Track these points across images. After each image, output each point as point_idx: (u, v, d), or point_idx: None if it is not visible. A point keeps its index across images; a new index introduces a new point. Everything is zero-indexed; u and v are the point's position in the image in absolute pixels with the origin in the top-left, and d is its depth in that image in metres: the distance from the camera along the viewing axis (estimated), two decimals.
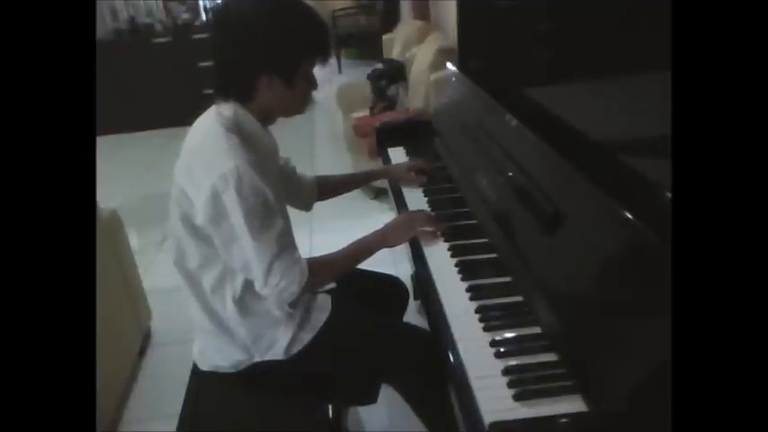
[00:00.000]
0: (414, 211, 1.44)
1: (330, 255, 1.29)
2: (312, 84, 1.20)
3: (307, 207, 1.53)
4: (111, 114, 4.61)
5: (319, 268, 1.19)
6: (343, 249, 1.28)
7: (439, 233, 1.35)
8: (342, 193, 1.61)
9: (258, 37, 1.09)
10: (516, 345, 1.00)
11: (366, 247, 1.29)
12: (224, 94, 1.16)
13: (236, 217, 1.06)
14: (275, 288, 1.11)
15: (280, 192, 1.16)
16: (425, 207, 1.53)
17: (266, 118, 1.20)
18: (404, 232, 1.33)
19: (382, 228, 1.33)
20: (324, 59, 1.19)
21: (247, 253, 1.09)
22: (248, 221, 1.06)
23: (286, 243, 1.12)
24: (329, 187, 1.57)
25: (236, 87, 1.15)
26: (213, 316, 1.22)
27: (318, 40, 1.16)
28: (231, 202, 1.06)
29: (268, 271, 1.10)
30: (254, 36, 1.09)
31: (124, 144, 4.91)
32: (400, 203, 1.60)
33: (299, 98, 1.19)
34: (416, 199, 1.60)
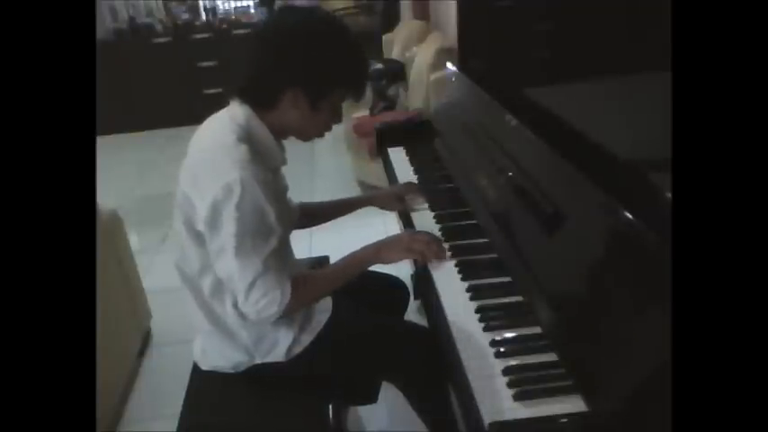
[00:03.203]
0: (418, 233, 1.34)
1: (319, 272, 1.28)
2: (336, 116, 1.20)
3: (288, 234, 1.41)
4: (111, 114, 4.61)
5: (304, 289, 1.16)
6: (333, 265, 1.27)
7: (440, 259, 1.26)
8: (324, 222, 1.55)
9: (302, 50, 1.09)
10: (516, 345, 1.00)
11: (357, 262, 1.25)
12: (245, 95, 1.15)
13: (229, 231, 1.05)
14: (254, 307, 1.10)
15: (282, 208, 1.14)
16: (429, 213, 1.50)
17: (280, 132, 1.19)
18: (401, 253, 1.27)
19: (378, 242, 1.28)
20: (356, 97, 1.19)
21: (231, 268, 1.08)
22: (238, 238, 1.05)
23: (273, 263, 1.09)
24: (312, 215, 1.51)
25: (261, 93, 1.14)
26: (214, 318, 1.22)
27: (357, 76, 1.17)
28: (228, 214, 1.04)
29: (249, 289, 1.08)
30: (298, 48, 1.09)
31: (124, 144, 4.91)
32: (406, 219, 1.54)
33: (319, 124, 1.19)
34: (421, 211, 1.54)
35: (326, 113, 1.17)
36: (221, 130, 1.12)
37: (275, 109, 1.14)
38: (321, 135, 1.23)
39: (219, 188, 1.04)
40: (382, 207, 1.60)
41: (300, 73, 1.10)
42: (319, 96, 1.13)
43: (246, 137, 1.11)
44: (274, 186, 1.15)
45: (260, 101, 1.14)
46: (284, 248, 1.22)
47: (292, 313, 1.18)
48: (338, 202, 1.57)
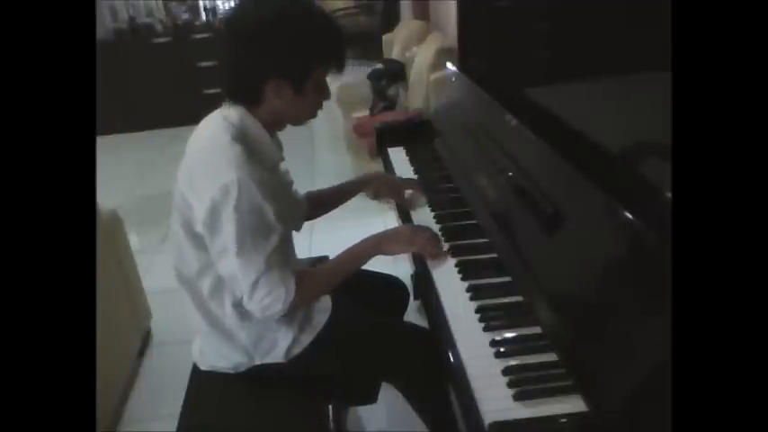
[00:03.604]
0: (418, 228, 1.35)
1: (321, 267, 1.28)
2: (324, 92, 1.18)
3: (297, 227, 1.40)
4: (111, 114, 4.61)
5: (308, 285, 1.16)
6: (335, 259, 1.26)
7: (440, 255, 1.27)
8: (333, 208, 1.54)
9: (268, 40, 1.07)
10: (516, 345, 1.00)
11: (359, 254, 1.25)
12: (232, 96, 1.15)
13: (229, 231, 1.05)
14: (259, 304, 1.10)
15: (282, 204, 1.14)
16: (429, 212, 1.50)
17: (274, 124, 1.19)
18: (401, 246, 1.28)
19: (379, 234, 1.28)
20: (338, 68, 1.17)
21: (233, 268, 1.08)
22: (239, 238, 1.05)
23: (276, 261, 1.09)
24: (320, 203, 1.50)
25: (244, 91, 1.13)
26: (212, 319, 1.21)
27: (332, 48, 1.14)
28: (227, 215, 1.04)
29: (253, 288, 1.08)
30: (264, 39, 1.07)
31: (124, 144, 4.91)
32: (405, 218, 1.54)
33: (308, 105, 1.17)
34: (421, 210, 1.54)
35: (313, 93, 1.15)
36: (216, 131, 1.11)
37: (262, 103, 1.13)
38: (314, 115, 1.22)
39: (217, 189, 1.04)
40: (377, 192, 1.58)
41: (276, 62, 1.09)
42: (301, 79, 1.11)
43: (241, 136, 1.11)
44: (273, 184, 1.14)
45: (246, 98, 1.14)
46: (287, 246, 1.22)
47: (296, 310, 1.18)
48: (343, 186, 1.56)
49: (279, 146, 1.23)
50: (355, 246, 1.26)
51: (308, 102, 1.16)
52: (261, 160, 1.13)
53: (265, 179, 1.10)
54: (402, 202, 1.58)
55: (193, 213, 1.10)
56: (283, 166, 1.31)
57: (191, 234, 1.13)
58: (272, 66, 1.09)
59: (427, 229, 1.34)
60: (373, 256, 1.26)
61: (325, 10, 1.14)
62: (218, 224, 1.06)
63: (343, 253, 1.26)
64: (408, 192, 1.60)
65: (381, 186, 1.59)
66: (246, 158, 1.07)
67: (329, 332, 1.26)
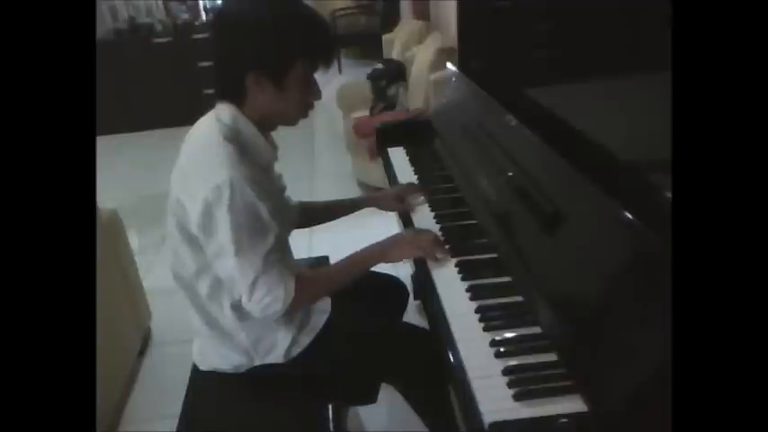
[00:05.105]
0: (421, 231, 1.34)
1: (323, 270, 1.27)
2: (311, 91, 1.15)
3: (286, 233, 1.36)
4: (111, 114, 4.61)
5: (308, 285, 1.15)
6: (338, 263, 1.26)
7: (443, 257, 1.26)
8: (323, 222, 1.54)
9: (247, 31, 1.07)
10: (516, 345, 1.00)
11: (362, 261, 1.25)
12: (219, 92, 1.15)
13: (224, 232, 1.05)
14: (258, 305, 1.09)
15: (276, 204, 1.14)
16: (429, 213, 1.50)
17: (264, 123, 1.17)
18: (405, 251, 1.27)
19: (383, 242, 1.27)
20: (324, 64, 1.14)
21: (231, 268, 1.07)
22: (235, 238, 1.04)
23: (274, 260, 1.09)
24: (312, 214, 1.50)
25: (227, 84, 1.13)
26: (211, 321, 1.21)
27: (314, 44, 1.11)
28: (222, 215, 1.04)
29: (252, 287, 1.08)
30: (243, 30, 1.07)
31: (124, 144, 4.91)
32: (406, 219, 1.54)
33: (293, 103, 1.14)
34: (421, 210, 1.54)
35: (297, 90, 1.12)
36: (209, 131, 1.11)
37: (246, 98, 1.12)
38: (305, 115, 1.19)
39: (209, 190, 1.03)
40: (383, 208, 1.60)
41: (254, 53, 1.07)
42: (280, 73, 1.09)
43: (234, 136, 1.10)
44: (267, 184, 1.14)
45: (230, 94, 1.13)
46: (284, 246, 1.22)
47: (296, 309, 1.17)
48: (339, 203, 1.57)
49: (273, 146, 1.23)
50: (359, 252, 1.25)
51: (292, 99, 1.13)
52: (254, 160, 1.12)
53: (259, 178, 1.09)
54: (405, 209, 1.58)
55: (187, 215, 1.09)
56: (283, 166, 1.30)
57: (186, 236, 1.13)
58: (250, 57, 1.08)
59: (429, 232, 1.33)
60: (377, 263, 1.26)
61: (311, 7, 1.13)
62: (212, 225, 1.06)
63: (346, 258, 1.25)
64: (409, 197, 1.60)
65: (385, 205, 1.59)
66: (239, 158, 1.06)
67: (329, 333, 1.26)
